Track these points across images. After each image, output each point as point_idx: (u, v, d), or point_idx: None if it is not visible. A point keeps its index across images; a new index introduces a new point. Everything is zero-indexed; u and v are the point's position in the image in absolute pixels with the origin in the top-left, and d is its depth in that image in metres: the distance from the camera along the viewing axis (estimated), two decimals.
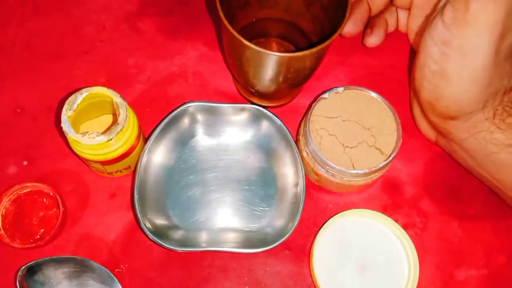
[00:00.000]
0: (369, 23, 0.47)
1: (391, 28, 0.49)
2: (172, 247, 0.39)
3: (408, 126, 0.47)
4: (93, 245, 0.42)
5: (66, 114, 0.37)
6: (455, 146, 0.43)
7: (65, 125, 0.37)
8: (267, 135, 0.45)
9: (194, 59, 0.50)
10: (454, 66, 0.37)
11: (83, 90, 0.38)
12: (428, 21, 0.39)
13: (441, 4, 0.40)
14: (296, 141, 0.44)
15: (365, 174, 0.40)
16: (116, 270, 0.42)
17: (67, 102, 0.38)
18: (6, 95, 0.47)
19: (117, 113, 0.38)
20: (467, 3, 0.34)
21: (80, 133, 0.37)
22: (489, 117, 0.38)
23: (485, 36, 0.35)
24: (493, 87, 0.38)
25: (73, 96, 0.38)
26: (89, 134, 0.37)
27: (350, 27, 0.46)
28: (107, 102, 0.39)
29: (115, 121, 0.38)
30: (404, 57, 0.50)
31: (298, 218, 0.40)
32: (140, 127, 0.41)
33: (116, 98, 0.38)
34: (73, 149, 0.39)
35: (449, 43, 0.36)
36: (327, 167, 0.40)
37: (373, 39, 0.47)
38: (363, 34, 0.48)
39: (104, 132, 0.37)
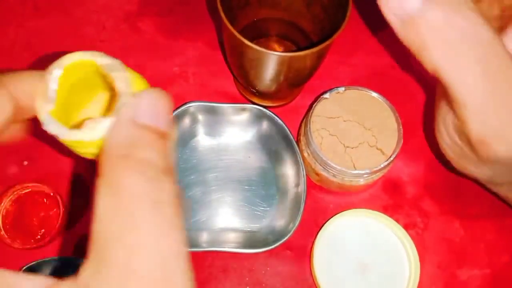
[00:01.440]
0: None
1: None
2: None
3: (409, 126, 0.46)
4: None
5: (45, 110, 0.24)
6: None
7: (51, 126, 0.24)
8: (268, 135, 0.45)
9: (194, 59, 0.50)
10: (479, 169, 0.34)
11: (53, 67, 0.23)
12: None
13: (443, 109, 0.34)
14: (297, 141, 0.44)
15: (366, 175, 0.40)
16: None
17: (38, 93, 0.23)
18: None
19: (113, 83, 0.23)
20: (485, 149, 0.30)
21: (75, 130, 0.24)
22: None
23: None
24: None
25: (43, 82, 0.23)
26: (89, 125, 0.23)
27: None
28: (93, 73, 0.24)
29: (114, 96, 0.23)
30: (405, 57, 0.50)
31: (299, 219, 0.40)
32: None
33: (102, 59, 0.23)
34: (75, 151, 0.27)
35: (470, 159, 0.33)
36: (328, 167, 0.40)
37: None
38: None
39: (107, 114, 0.23)
